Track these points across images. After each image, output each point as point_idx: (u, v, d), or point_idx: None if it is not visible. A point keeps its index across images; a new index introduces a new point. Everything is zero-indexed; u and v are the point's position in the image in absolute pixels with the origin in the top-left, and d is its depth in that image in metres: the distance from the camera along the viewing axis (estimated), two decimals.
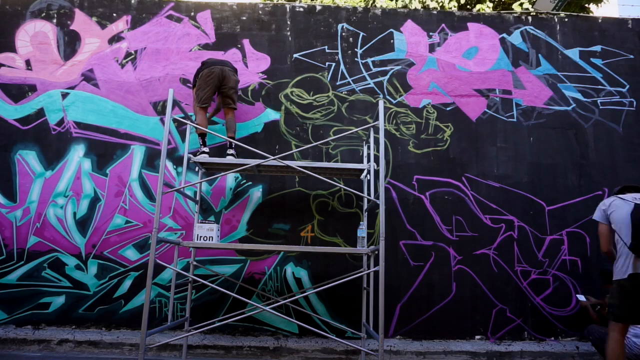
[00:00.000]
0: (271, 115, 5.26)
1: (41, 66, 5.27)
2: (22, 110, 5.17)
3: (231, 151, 4.65)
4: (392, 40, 5.50)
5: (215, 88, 4.61)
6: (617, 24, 5.71)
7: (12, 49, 5.31)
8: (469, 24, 5.58)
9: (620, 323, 3.27)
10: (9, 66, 5.27)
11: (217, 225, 4.17)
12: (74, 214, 4.97)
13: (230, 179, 5.08)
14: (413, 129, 5.30)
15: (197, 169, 4.78)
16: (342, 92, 5.34)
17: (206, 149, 4.61)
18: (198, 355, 4.41)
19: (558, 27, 5.63)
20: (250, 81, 5.32)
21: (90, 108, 5.19)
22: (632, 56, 5.57)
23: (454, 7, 8.48)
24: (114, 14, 5.45)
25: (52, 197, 4.98)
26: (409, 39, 5.51)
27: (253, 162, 4.23)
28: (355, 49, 5.46)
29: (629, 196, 3.46)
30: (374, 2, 9.00)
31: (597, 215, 3.61)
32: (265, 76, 5.35)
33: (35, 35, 5.36)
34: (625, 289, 3.26)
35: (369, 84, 5.37)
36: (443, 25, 5.56)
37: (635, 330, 3.65)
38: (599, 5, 9.30)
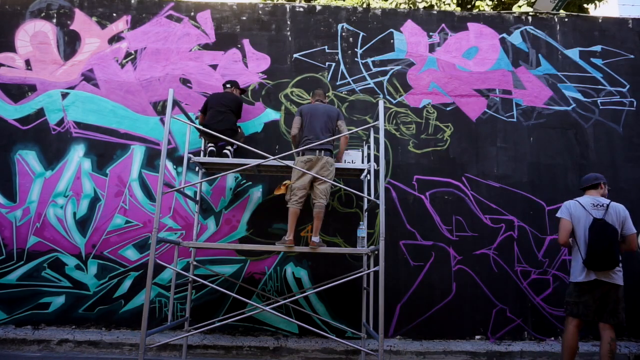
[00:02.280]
0: (271, 115, 5.25)
1: (41, 66, 5.27)
2: (22, 110, 5.16)
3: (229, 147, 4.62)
4: (392, 40, 5.50)
5: None
6: (617, 24, 5.71)
7: (12, 48, 5.31)
8: (469, 24, 5.58)
9: (577, 318, 3.59)
10: (8, 66, 5.27)
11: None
12: (74, 214, 4.97)
13: (230, 179, 5.08)
14: (413, 129, 5.30)
15: (197, 169, 4.78)
16: (342, 92, 5.34)
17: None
18: (198, 355, 4.41)
19: (558, 27, 5.63)
20: (250, 81, 5.32)
21: (90, 108, 5.19)
22: (632, 56, 5.57)
23: (453, 2, 8.45)
24: (114, 14, 5.45)
25: (52, 197, 4.97)
26: (409, 39, 5.51)
27: (253, 162, 4.23)
28: (355, 49, 5.46)
29: (587, 202, 3.67)
30: (369, 3, 8.99)
31: (562, 213, 3.76)
32: (265, 76, 5.34)
33: (35, 35, 5.36)
34: (582, 289, 3.59)
35: (369, 84, 5.37)
36: (443, 25, 5.56)
37: None
38: (597, 5, 9.30)
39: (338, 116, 4.33)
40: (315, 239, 4.07)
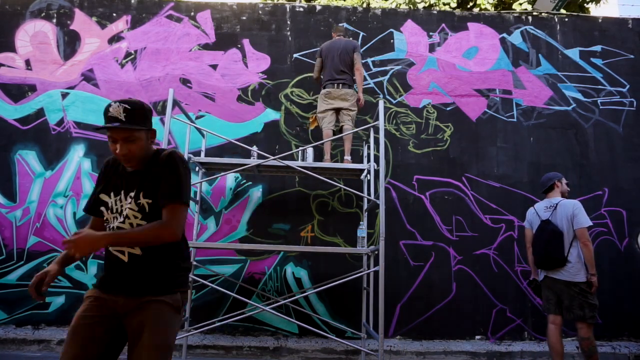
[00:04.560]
0: (271, 115, 5.25)
1: (41, 66, 5.27)
2: (22, 110, 5.16)
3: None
4: (392, 40, 5.49)
5: None
6: (617, 24, 5.71)
7: (12, 48, 5.31)
8: (469, 24, 5.58)
9: (551, 315, 3.62)
10: (8, 66, 5.27)
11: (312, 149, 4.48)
12: (74, 214, 4.97)
13: (230, 179, 5.08)
14: (413, 129, 5.30)
15: (197, 169, 4.78)
16: None
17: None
18: (198, 355, 4.41)
19: (558, 27, 5.63)
20: (250, 81, 5.32)
21: (90, 108, 5.19)
22: (632, 56, 5.57)
23: (453, 2, 8.43)
24: (114, 14, 5.45)
25: (52, 197, 4.97)
26: (409, 39, 5.51)
27: (253, 162, 4.23)
28: None
29: (541, 206, 3.77)
30: (369, 3, 8.99)
31: (525, 222, 3.95)
32: (265, 76, 5.34)
33: (35, 35, 5.35)
34: (542, 285, 3.72)
35: (369, 84, 5.37)
36: (443, 25, 5.56)
37: None
38: (598, 4, 9.29)
39: (354, 49, 4.63)
40: (348, 157, 4.55)
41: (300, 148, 4.57)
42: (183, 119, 4.49)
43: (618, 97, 5.46)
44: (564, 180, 3.81)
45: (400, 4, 8.40)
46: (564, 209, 3.57)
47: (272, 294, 4.85)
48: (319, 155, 5.08)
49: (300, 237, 4.98)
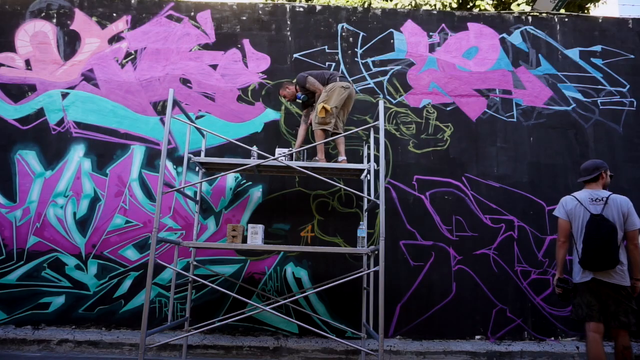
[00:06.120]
0: (271, 115, 5.25)
1: (41, 66, 5.27)
2: (22, 110, 5.16)
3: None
4: (392, 40, 5.49)
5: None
6: (617, 24, 5.71)
7: (12, 48, 5.31)
8: (469, 24, 5.58)
9: (592, 323, 3.30)
10: (8, 66, 5.27)
11: (262, 226, 4.15)
12: (74, 214, 4.97)
13: (230, 179, 5.08)
14: (413, 129, 5.30)
15: (197, 169, 4.78)
16: None
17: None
18: (198, 355, 4.41)
19: (558, 27, 5.63)
20: (250, 81, 5.32)
21: (90, 108, 5.19)
22: (632, 56, 5.57)
23: (454, 2, 8.43)
24: (114, 14, 5.45)
25: (52, 197, 4.97)
26: (409, 39, 5.51)
27: (253, 162, 4.23)
28: (355, 49, 5.46)
29: (585, 197, 3.40)
30: (370, 3, 8.99)
31: (559, 212, 3.53)
32: (265, 76, 5.34)
33: (35, 35, 5.36)
34: (582, 289, 3.37)
35: (369, 84, 5.37)
36: (443, 25, 5.56)
37: None
38: (596, 5, 9.29)
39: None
40: (343, 158, 4.58)
41: (300, 148, 4.56)
42: (183, 119, 4.49)
43: (618, 97, 5.46)
44: (608, 172, 3.48)
45: (405, 5, 8.38)
46: (617, 204, 3.28)
47: (272, 294, 4.85)
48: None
49: (300, 237, 4.98)
